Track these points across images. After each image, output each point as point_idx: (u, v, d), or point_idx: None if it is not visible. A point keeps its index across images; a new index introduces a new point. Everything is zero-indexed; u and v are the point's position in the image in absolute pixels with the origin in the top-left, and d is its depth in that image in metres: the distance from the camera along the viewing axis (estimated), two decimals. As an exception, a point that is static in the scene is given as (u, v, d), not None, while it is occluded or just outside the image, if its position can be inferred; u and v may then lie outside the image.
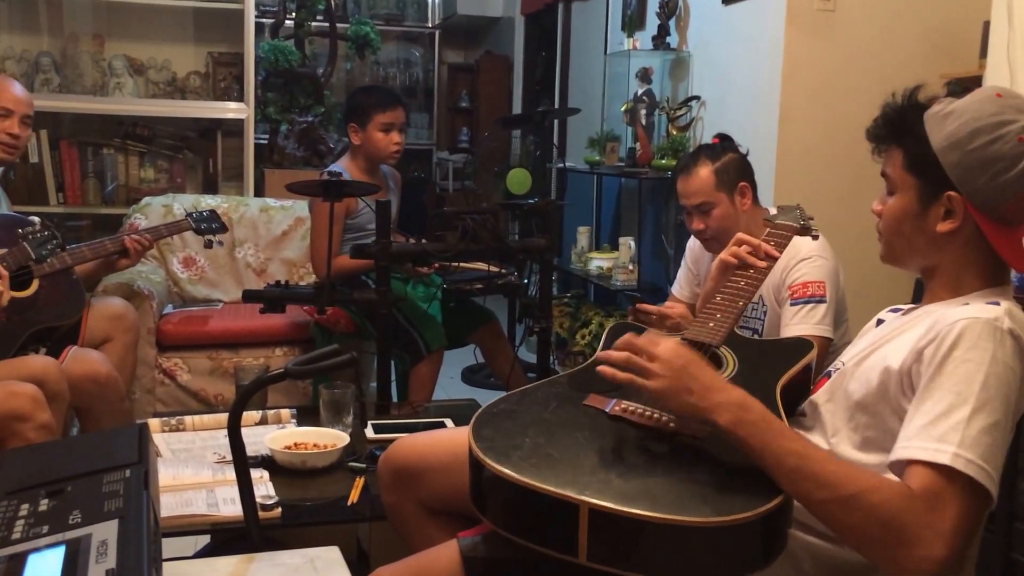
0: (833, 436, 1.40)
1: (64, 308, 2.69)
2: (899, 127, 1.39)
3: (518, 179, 3.03)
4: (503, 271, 3.20)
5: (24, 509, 1.06)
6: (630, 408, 1.41)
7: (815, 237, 1.95)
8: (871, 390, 1.34)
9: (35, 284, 2.60)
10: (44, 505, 1.07)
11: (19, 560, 0.95)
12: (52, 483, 1.12)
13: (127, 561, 0.92)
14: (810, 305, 2.20)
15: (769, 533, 1.26)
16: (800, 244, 2.20)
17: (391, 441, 1.83)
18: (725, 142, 2.49)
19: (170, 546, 1.29)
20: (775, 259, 1.73)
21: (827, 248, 2.29)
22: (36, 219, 2.47)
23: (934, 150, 1.33)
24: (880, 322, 1.53)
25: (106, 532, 0.98)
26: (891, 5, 3.29)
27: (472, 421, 1.42)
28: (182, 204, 3.75)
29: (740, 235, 1.77)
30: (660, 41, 3.94)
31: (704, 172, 2.37)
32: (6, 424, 2.06)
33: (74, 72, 4.27)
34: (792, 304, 2.24)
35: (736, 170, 2.39)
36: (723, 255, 1.76)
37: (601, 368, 1.39)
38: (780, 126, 3.25)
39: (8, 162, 2.87)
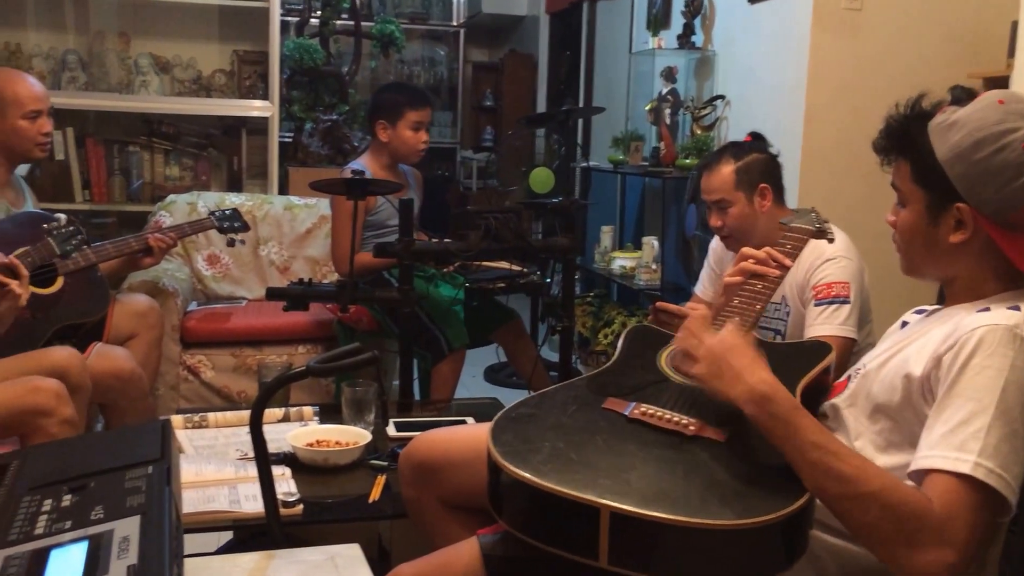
0: (856, 439, 1.39)
1: (89, 305, 2.71)
2: (903, 139, 1.38)
3: (541, 178, 3.03)
4: (526, 270, 3.20)
5: (47, 504, 1.07)
6: (649, 411, 1.42)
7: (831, 240, 1.95)
8: (893, 396, 1.34)
9: (60, 281, 2.62)
10: (67, 501, 1.07)
11: (42, 555, 0.96)
12: (75, 479, 1.13)
13: (149, 557, 0.93)
14: (834, 306, 2.18)
15: (791, 535, 1.25)
16: (825, 244, 2.18)
17: (412, 439, 1.83)
18: (756, 141, 2.48)
19: (192, 542, 1.30)
20: (787, 267, 1.72)
21: (852, 248, 2.27)
22: (62, 216, 2.49)
23: (940, 162, 1.32)
24: (904, 324, 1.52)
25: (128, 528, 0.99)
26: (918, 5, 3.26)
27: (491, 426, 1.42)
28: (207, 202, 3.77)
29: (744, 250, 1.77)
30: (685, 40, 3.92)
31: (725, 170, 2.36)
32: (29, 419, 2.07)
33: (100, 70, 4.31)
34: (816, 304, 2.22)
35: (759, 171, 2.37)
36: (727, 276, 1.76)
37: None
38: (805, 126, 3.23)
39: (42, 159, 2.90)
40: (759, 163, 2.38)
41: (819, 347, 1.66)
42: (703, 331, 1.38)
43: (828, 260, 2.24)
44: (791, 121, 3.29)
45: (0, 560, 0.96)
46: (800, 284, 2.28)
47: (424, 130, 3.26)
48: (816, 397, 1.54)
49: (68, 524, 1.01)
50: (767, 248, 1.76)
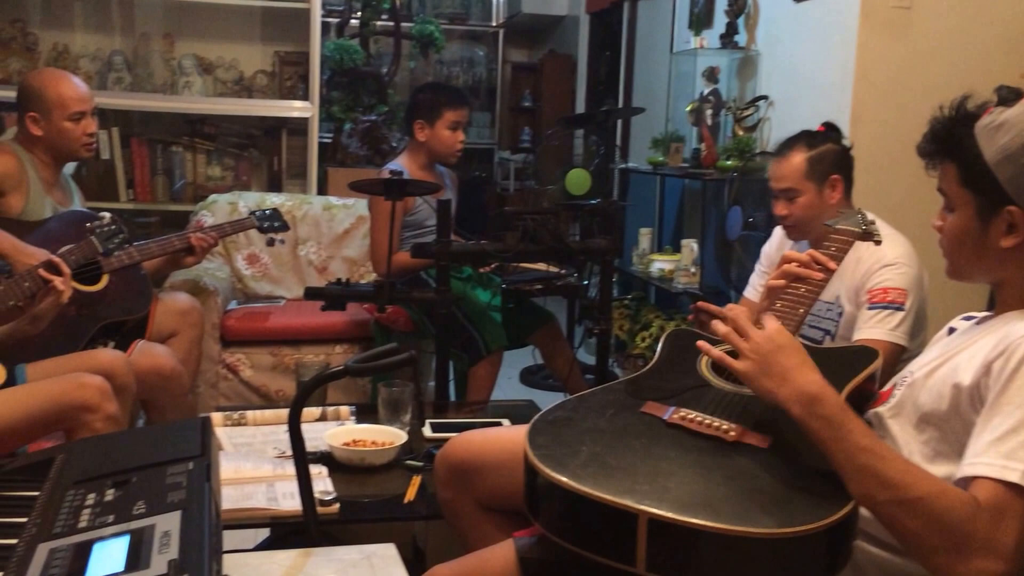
0: (904, 448, 1.37)
1: (132, 303, 2.74)
2: (949, 142, 1.35)
3: (577, 179, 3.02)
4: (563, 272, 3.18)
5: (91, 498, 1.08)
6: (689, 416, 1.40)
7: (878, 242, 1.91)
8: (941, 405, 1.31)
9: (105, 279, 2.66)
10: (110, 495, 1.09)
11: (85, 548, 0.97)
12: (118, 474, 1.14)
13: (189, 552, 0.94)
14: (888, 311, 2.15)
15: (834, 545, 1.23)
16: (886, 248, 2.17)
17: (448, 440, 1.83)
18: (830, 131, 2.44)
19: (230, 538, 1.30)
20: (831, 270, 1.69)
21: (914, 256, 2.24)
22: (106, 215, 2.53)
23: (988, 164, 1.29)
24: (952, 330, 1.49)
25: (169, 523, 1.00)
26: (969, 3, 3.20)
27: (527, 429, 1.41)
28: (247, 202, 3.81)
29: (787, 252, 1.74)
30: (728, 40, 3.88)
31: (797, 159, 2.33)
32: (74, 414, 2.10)
33: (145, 71, 4.36)
34: (869, 308, 2.19)
35: (832, 162, 2.33)
36: (770, 280, 1.73)
37: (700, 343, 1.43)
38: (851, 127, 3.18)
39: (88, 158, 2.94)
40: (832, 154, 2.34)
41: (866, 352, 1.62)
42: (749, 326, 1.35)
43: (888, 265, 2.20)
44: (837, 122, 3.21)
45: (45, 553, 0.97)
46: (856, 286, 2.25)
47: (461, 130, 3.26)
48: (860, 404, 1.51)
49: (111, 518, 1.03)
50: (811, 251, 1.73)
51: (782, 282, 1.70)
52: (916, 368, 1.43)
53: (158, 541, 0.96)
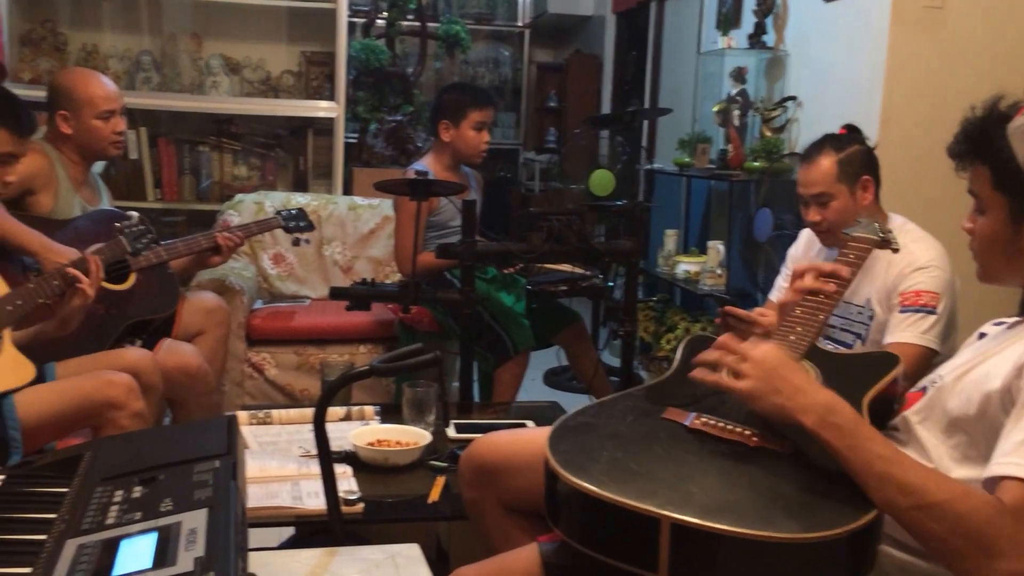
0: (932, 452, 1.36)
1: (159, 302, 2.76)
2: (981, 143, 1.34)
3: (601, 180, 3.00)
4: (588, 273, 3.17)
5: (118, 495, 1.09)
6: (710, 421, 1.40)
7: (895, 250, 1.90)
8: (970, 409, 1.30)
9: (132, 278, 2.68)
10: (137, 492, 1.09)
11: (113, 545, 0.97)
12: (145, 471, 1.15)
13: (215, 550, 0.94)
14: (920, 314, 2.13)
15: (858, 550, 1.22)
16: (918, 251, 2.15)
17: (472, 441, 1.83)
18: (853, 133, 2.42)
19: (254, 536, 1.31)
20: (845, 279, 1.67)
21: (946, 259, 2.22)
22: (134, 214, 2.54)
23: (1022, 167, 1.28)
24: (982, 335, 1.48)
25: (195, 521, 1.00)
26: (1002, 3, 3.16)
27: (548, 434, 1.41)
28: (273, 201, 3.83)
29: (796, 266, 1.73)
30: (756, 40, 3.85)
31: (826, 162, 2.30)
32: (102, 411, 2.12)
33: (173, 71, 4.40)
34: (901, 311, 2.17)
35: (861, 163, 2.31)
36: (784, 297, 1.72)
37: (694, 373, 1.39)
38: (881, 128, 3.15)
39: (116, 156, 2.97)
40: (860, 154, 2.32)
41: (886, 358, 1.61)
42: (741, 347, 1.34)
43: (920, 268, 2.19)
44: (866, 123, 3.19)
45: (73, 549, 0.97)
46: (887, 289, 2.23)
47: (486, 130, 3.26)
48: (885, 410, 1.50)
49: (138, 515, 1.03)
50: (821, 263, 1.73)
51: (796, 296, 1.69)
52: (945, 372, 1.42)
53: (184, 538, 0.96)
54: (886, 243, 1.83)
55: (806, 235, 2.56)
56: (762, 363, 1.30)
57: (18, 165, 2.15)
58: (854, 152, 2.31)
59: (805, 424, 1.26)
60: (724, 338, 1.38)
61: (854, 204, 2.29)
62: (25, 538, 1.04)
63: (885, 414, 1.50)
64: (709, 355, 1.38)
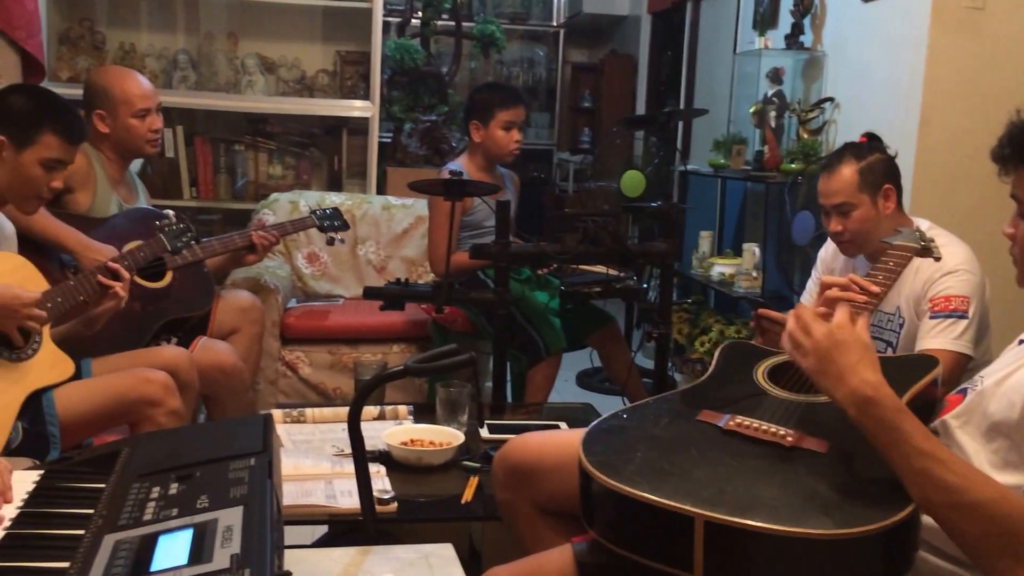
0: (973, 458, 1.34)
1: (195, 300, 2.78)
2: None
3: (632, 181, 2.98)
4: (622, 275, 3.15)
5: (155, 492, 1.10)
6: (745, 423, 1.39)
7: (937, 259, 1.88)
8: (1011, 414, 1.28)
9: (169, 276, 2.70)
10: (174, 489, 1.10)
11: (150, 540, 0.98)
12: (182, 468, 1.16)
13: (251, 547, 0.95)
14: (951, 320, 2.09)
15: (892, 549, 1.21)
16: (946, 256, 2.12)
17: (505, 442, 1.83)
18: (873, 142, 2.39)
19: (287, 534, 1.31)
20: (874, 294, 1.65)
21: (975, 262, 2.18)
22: (171, 212, 2.57)
23: None
24: (1023, 342, 1.45)
25: (231, 518, 1.01)
26: (1045, 3, 3.10)
27: (582, 437, 1.42)
28: (308, 201, 3.84)
29: (825, 278, 1.72)
30: (793, 40, 3.81)
31: (847, 171, 2.27)
32: (139, 408, 2.14)
33: (209, 69, 4.43)
34: (932, 317, 2.13)
35: (882, 171, 2.28)
36: (816, 307, 1.70)
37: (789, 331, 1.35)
38: (920, 129, 3.11)
39: (154, 153, 3.00)
40: (882, 163, 2.29)
41: (925, 360, 1.60)
42: (812, 321, 1.31)
43: (949, 273, 2.15)
44: (905, 125, 3.17)
45: (111, 544, 0.98)
46: (917, 296, 2.20)
47: (516, 129, 3.24)
48: (923, 413, 1.48)
49: (175, 511, 1.04)
50: (851, 276, 1.72)
51: (824, 310, 1.68)
52: (986, 376, 1.41)
53: (221, 535, 0.97)
54: (927, 251, 1.81)
55: None
56: (820, 341, 1.27)
57: (64, 172, 2.17)
58: (875, 161, 2.28)
59: (848, 413, 1.24)
60: (801, 309, 1.34)
61: (876, 213, 2.26)
62: (64, 533, 1.05)
63: (924, 417, 1.48)
64: (788, 326, 1.35)
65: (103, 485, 1.16)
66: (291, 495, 1.80)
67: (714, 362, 1.70)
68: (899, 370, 1.54)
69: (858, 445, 1.28)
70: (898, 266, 1.73)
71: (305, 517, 1.81)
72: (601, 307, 3.42)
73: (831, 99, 3.70)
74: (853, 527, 1.16)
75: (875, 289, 1.66)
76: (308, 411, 2.32)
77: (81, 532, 1.04)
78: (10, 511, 1.12)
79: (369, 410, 2.32)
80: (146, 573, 0.91)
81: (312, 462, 1.96)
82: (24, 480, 1.22)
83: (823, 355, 1.27)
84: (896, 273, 1.75)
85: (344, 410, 2.30)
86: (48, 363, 2.09)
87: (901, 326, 2.25)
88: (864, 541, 1.17)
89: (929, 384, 1.51)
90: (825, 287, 1.68)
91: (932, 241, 1.83)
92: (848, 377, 1.24)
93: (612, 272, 3.06)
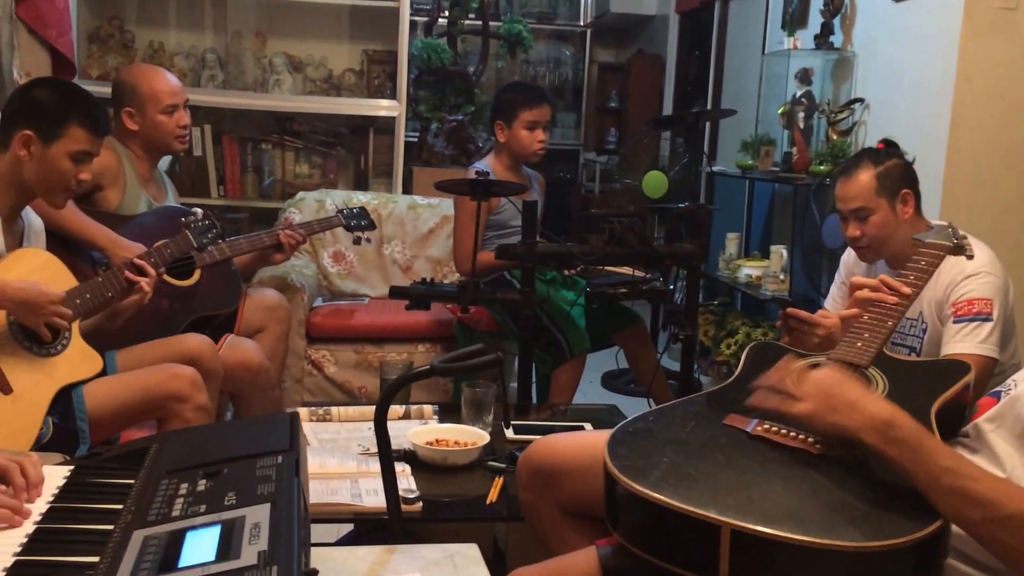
0: (1007, 462, 1.32)
1: (223, 298, 2.80)
2: None
3: (654, 182, 2.96)
4: (648, 276, 3.14)
5: (184, 488, 1.10)
6: (773, 428, 1.38)
7: (970, 257, 1.85)
8: None
9: (197, 274, 2.72)
10: (202, 485, 1.10)
11: (179, 536, 0.98)
12: (209, 465, 1.16)
13: (278, 544, 0.95)
14: (976, 323, 2.07)
15: (922, 561, 1.20)
16: (966, 259, 2.08)
17: (530, 443, 1.82)
18: (890, 147, 2.37)
19: (312, 532, 1.31)
20: (905, 295, 1.63)
21: (997, 264, 2.15)
22: (199, 210, 2.58)
23: None
24: None
25: (259, 515, 1.01)
26: (1081, 4, 3.05)
27: (607, 440, 1.41)
28: (334, 199, 3.85)
29: (855, 279, 1.70)
30: (823, 40, 3.78)
31: (865, 176, 2.25)
32: (167, 404, 2.16)
33: (237, 68, 4.46)
34: (955, 322, 2.10)
35: (900, 176, 2.26)
36: (843, 312, 1.69)
37: (752, 398, 1.39)
38: (951, 131, 3.07)
39: (183, 150, 3.01)
40: (899, 168, 2.27)
41: (957, 366, 1.58)
42: (800, 371, 1.34)
43: (971, 276, 2.12)
44: (935, 126, 3.13)
45: (140, 539, 0.99)
46: (939, 300, 2.17)
47: (541, 129, 3.23)
48: (955, 418, 1.47)
49: (203, 508, 1.04)
50: (882, 276, 1.69)
51: (855, 312, 1.66)
52: (1019, 380, 1.38)
53: (248, 532, 0.97)
54: (960, 249, 1.78)
55: None
56: (820, 383, 1.29)
57: (91, 163, 2.19)
58: (892, 166, 2.26)
59: (866, 441, 1.24)
60: (784, 361, 1.37)
61: (895, 218, 2.24)
62: (93, 527, 1.06)
63: (956, 421, 1.47)
64: (769, 378, 1.37)
65: (132, 481, 1.17)
66: (317, 493, 1.80)
67: (741, 363, 1.68)
68: (930, 375, 1.53)
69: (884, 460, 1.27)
70: (930, 265, 1.71)
71: (331, 515, 1.81)
72: (628, 307, 3.41)
73: (861, 100, 3.67)
74: (883, 539, 1.15)
75: (907, 290, 1.64)
76: (334, 409, 2.32)
77: (110, 527, 1.05)
78: (40, 506, 1.13)
79: (394, 409, 2.32)
80: (174, 569, 0.92)
81: (338, 461, 1.96)
82: (54, 475, 1.23)
83: (826, 394, 1.28)
84: (928, 273, 1.72)
85: (369, 409, 2.31)
86: (77, 358, 2.11)
87: (924, 331, 2.23)
88: (895, 554, 1.15)
89: (962, 389, 1.50)
90: (855, 288, 1.66)
91: (965, 238, 1.80)
92: (862, 405, 1.25)
93: (638, 273, 3.05)
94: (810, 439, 1.34)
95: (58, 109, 2.09)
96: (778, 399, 1.34)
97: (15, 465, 1.18)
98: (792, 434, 1.35)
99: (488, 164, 3.27)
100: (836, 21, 3.79)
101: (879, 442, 1.22)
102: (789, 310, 1.96)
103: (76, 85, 2.27)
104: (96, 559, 0.98)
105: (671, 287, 3.21)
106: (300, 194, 3.97)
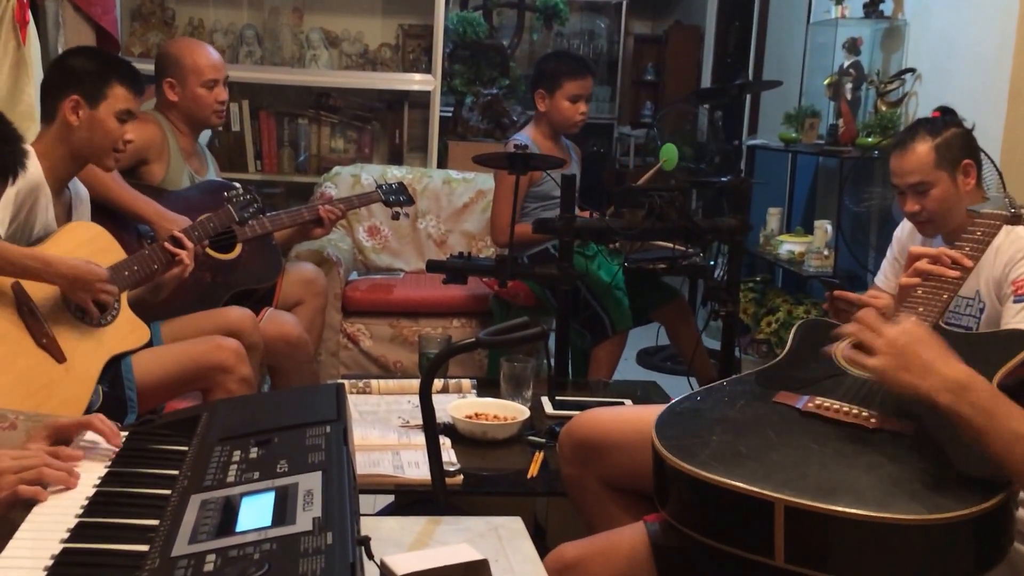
0: None
1: (263, 271, 2.82)
2: None
3: (668, 154, 2.91)
4: (688, 250, 3.10)
5: (237, 455, 1.11)
6: (825, 404, 1.35)
7: None
8: None
9: (238, 248, 2.73)
10: (254, 453, 1.11)
11: (235, 501, 0.99)
12: (260, 433, 1.17)
13: (331, 511, 0.96)
14: None
15: (985, 536, 1.17)
16: None
17: (570, 418, 1.81)
18: (947, 116, 2.29)
19: (355, 502, 1.32)
20: (966, 267, 1.58)
21: None
22: (238, 185, 2.60)
23: None
24: None
25: (311, 482, 1.02)
26: None
27: (655, 421, 1.39)
28: (370, 174, 3.85)
29: (912, 248, 1.66)
30: (873, 8, 3.67)
31: (922, 148, 2.18)
32: (212, 375, 2.19)
33: (274, 44, 4.46)
34: (1016, 301, 2.04)
35: (960, 146, 2.18)
36: (902, 279, 1.64)
37: (828, 347, 1.40)
38: (1010, 102, 2.97)
39: (219, 125, 3.03)
40: (959, 137, 2.19)
41: (1017, 336, 1.54)
42: (880, 323, 1.29)
43: None
44: (993, 97, 3.03)
45: (197, 503, 1.00)
46: (997, 279, 2.10)
47: (583, 102, 3.20)
48: (1018, 391, 1.42)
49: (256, 475, 1.05)
50: (942, 249, 1.64)
51: (915, 280, 1.62)
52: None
53: (302, 498, 0.98)
54: (1018, 219, 1.73)
55: None
56: (895, 340, 1.24)
57: (133, 122, 2.22)
58: (951, 136, 2.17)
59: (939, 402, 1.20)
60: (864, 312, 1.32)
61: (956, 190, 2.15)
62: (152, 491, 1.07)
63: (1018, 395, 1.43)
64: (846, 329, 1.33)
65: (186, 448, 1.18)
66: (359, 465, 1.79)
67: (790, 341, 1.65)
68: (992, 347, 1.48)
69: (944, 427, 1.24)
70: (987, 236, 1.66)
71: (373, 486, 1.81)
72: (668, 282, 3.38)
73: (912, 70, 3.57)
74: (944, 512, 1.12)
75: (968, 263, 1.60)
76: (374, 382, 2.33)
77: (168, 492, 1.06)
78: (99, 470, 1.15)
79: (434, 383, 2.32)
80: (232, 532, 0.92)
81: (380, 433, 1.97)
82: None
83: (902, 350, 1.24)
84: (985, 244, 1.67)
85: (408, 382, 2.32)
86: (127, 329, 2.14)
87: (982, 311, 2.16)
88: (957, 527, 1.13)
89: (1022, 363, 1.45)
90: (914, 258, 1.62)
91: (1022, 207, 1.75)
92: (938, 366, 1.21)
93: (678, 248, 3.02)
94: (864, 413, 1.31)
95: (98, 72, 2.15)
96: (853, 352, 1.31)
97: (94, 418, 1.22)
98: (845, 409, 1.32)
99: (528, 135, 3.24)
100: (887, -11, 3.70)
101: (953, 404, 1.19)
102: (837, 292, 1.92)
103: (105, 50, 2.30)
104: (156, 522, 0.99)
105: (712, 263, 3.17)
106: (336, 168, 3.97)
